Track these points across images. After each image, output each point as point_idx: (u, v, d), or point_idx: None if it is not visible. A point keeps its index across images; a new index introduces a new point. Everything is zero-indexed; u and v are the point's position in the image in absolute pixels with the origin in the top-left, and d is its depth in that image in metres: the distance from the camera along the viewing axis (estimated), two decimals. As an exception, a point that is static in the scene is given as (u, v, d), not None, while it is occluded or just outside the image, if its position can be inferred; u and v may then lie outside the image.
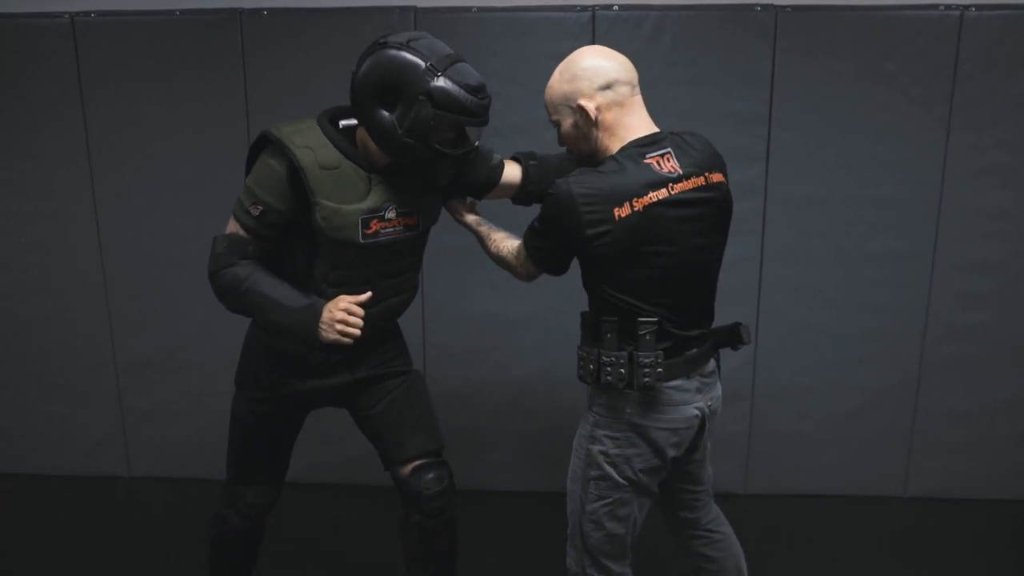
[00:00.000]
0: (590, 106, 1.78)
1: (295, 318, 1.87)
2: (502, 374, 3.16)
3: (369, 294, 1.90)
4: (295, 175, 1.87)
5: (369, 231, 1.93)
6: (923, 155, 2.90)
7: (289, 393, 2.10)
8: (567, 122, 1.83)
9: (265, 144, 1.92)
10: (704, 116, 2.89)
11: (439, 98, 1.78)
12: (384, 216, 1.95)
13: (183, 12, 2.94)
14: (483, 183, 2.10)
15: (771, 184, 2.96)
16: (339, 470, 3.28)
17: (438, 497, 2.11)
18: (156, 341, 3.25)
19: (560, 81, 1.83)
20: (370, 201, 1.93)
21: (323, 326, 1.85)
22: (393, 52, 1.79)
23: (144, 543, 2.93)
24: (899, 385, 3.10)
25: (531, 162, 2.13)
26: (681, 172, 1.76)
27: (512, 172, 2.12)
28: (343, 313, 1.83)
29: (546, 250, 1.84)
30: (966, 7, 2.77)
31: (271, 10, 2.92)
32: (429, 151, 1.85)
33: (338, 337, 1.84)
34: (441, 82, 1.78)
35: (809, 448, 3.18)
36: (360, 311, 1.84)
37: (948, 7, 2.78)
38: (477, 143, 1.99)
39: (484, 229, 2.07)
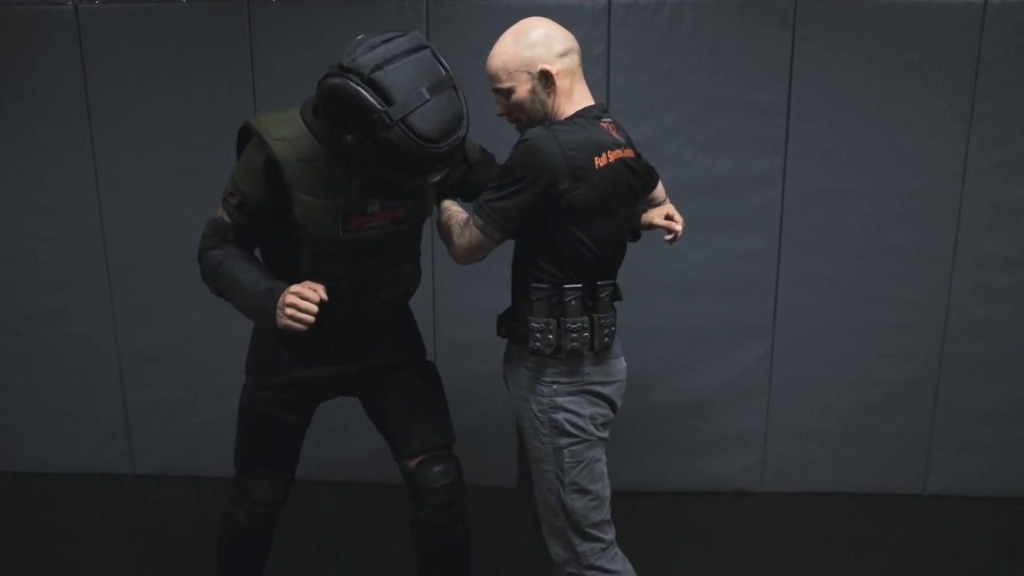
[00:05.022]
0: (553, 70, 1.82)
1: (255, 302, 1.84)
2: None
3: (323, 287, 1.80)
4: (272, 168, 1.83)
5: (350, 226, 1.88)
6: (945, 146, 2.85)
7: (297, 380, 2.06)
8: (523, 88, 1.84)
9: (251, 134, 1.89)
10: (722, 106, 2.86)
11: (384, 150, 1.67)
12: (366, 211, 1.89)
13: (189, 0, 2.89)
14: (480, 188, 2.06)
15: (790, 175, 2.91)
16: (347, 468, 3.23)
17: (445, 490, 2.08)
18: (160, 336, 3.20)
19: (517, 48, 1.83)
20: (350, 195, 1.87)
21: (278, 311, 1.79)
22: (352, 87, 1.65)
23: (149, 541, 2.88)
24: (918, 380, 3.05)
25: None
26: (622, 141, 1.89)
27: None
28: (294, 297, 1.77)
29: (511, 209, 1.79)
30: (989, -5, 2.73)
31: (280, -2, 2.87)
32: (382, 182, 1.78)
33: (288, 322, 1.77)
34: (391, 134, 1.65)
35: (827, 444, 3.13)
36: (314, 296, 1.76)
37: (971, -5, 2.74)
38: (439, 177, 1.84)
39: (447, 202, 2.05)
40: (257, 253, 2.03)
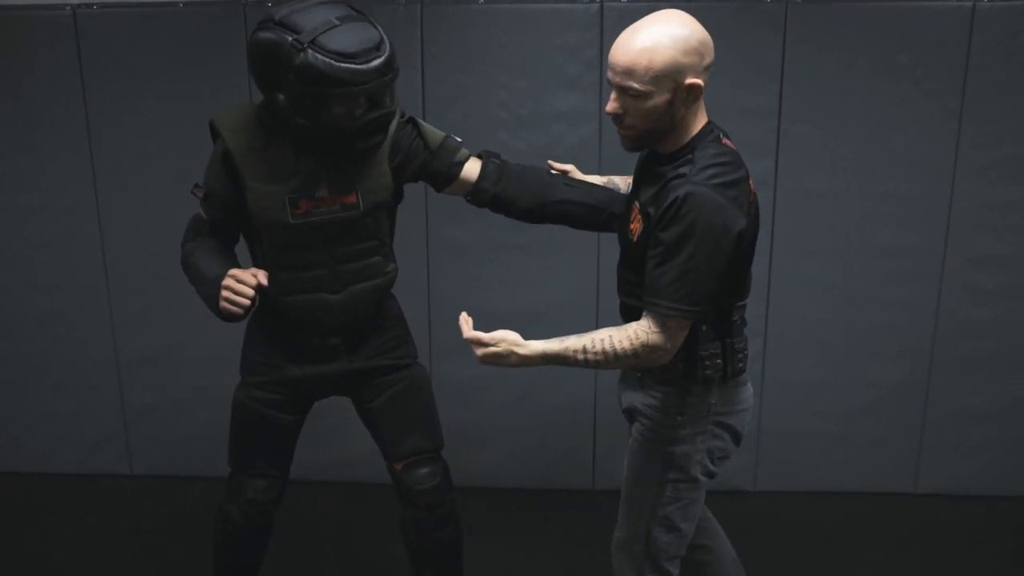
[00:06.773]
0: (701, 84, 1.58)
1: (206, 290, 1.88)
2: (509, 370, 3.12)
3: (264, 272, 1.83)
4: (228, 159, 1.89)
5: (299, 211, 1.90)
6: (935, 148, 2.87)
7: (288, 379, 2.09)
8: (662, 98, 1.56)
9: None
10: (714, 109, 2.77)
11: (305, 74, 1.70)
12: (315, 195, 1.91)
13: (186, 4, 2.91)
14: (444, 176, 2.02)
15: (781, 178, 2.92)
16: (343, 468, 3.24)
17: (431, 492, 2.11)
18: (158, 337, 3.21)
19: (674, 49, 1.53)
20: (298, 180, 1.89)
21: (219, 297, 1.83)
22: (261, 34, 1.75)
23: (147, 542, 2.90)
24: (910, 381, 3.07)
25: (493, 160, 2.04)
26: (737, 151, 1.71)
27: (471, 168, 2.02)
28: (231, 280, 1.80)
29: (710, 282, 1.56)
30: (978, -2, 2.75)
31: (276, 1, 2.88)
32: (328, 129, 1.79)
33: (226, 305, 1.80)
34: (306, 57, 1.69)
35: (819, 444, 3.15)
36: (250, 280, 1.79)
37: (960, -2, 2.76)
38: (393, 107, 1.86)
39: (560, 346, 1.69)
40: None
